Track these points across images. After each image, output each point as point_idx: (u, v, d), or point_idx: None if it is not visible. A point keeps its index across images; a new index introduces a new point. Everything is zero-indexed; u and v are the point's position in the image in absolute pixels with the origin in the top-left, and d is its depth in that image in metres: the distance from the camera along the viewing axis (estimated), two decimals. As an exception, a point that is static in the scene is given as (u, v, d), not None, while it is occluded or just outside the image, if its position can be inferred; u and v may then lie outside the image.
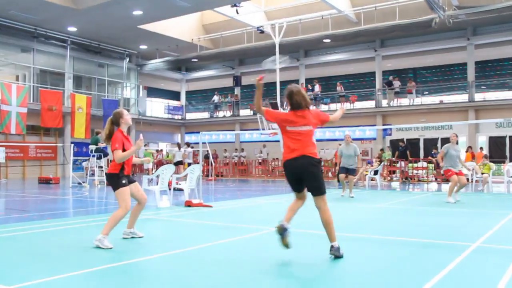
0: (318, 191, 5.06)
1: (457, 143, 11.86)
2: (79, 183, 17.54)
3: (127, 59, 30.03)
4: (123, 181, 5.95)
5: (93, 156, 17.51)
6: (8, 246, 5.97)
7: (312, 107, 6.19)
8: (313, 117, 5.23)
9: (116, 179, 5.96)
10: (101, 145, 17.86)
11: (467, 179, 19.40)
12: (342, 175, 13.17)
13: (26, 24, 23.54)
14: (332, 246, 5.02)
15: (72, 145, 19.29)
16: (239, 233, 6.90)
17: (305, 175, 5.09)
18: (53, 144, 24.88)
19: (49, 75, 26.92)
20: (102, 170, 18.55)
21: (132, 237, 6.30)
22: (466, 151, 20.83)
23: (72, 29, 24.68)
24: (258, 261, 5.07)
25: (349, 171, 13.05)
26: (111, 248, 5.57)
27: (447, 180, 14.41)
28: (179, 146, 20.70)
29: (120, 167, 5.99)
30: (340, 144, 21.58)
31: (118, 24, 23.66)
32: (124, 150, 5.92)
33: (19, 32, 23.70)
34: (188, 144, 21.27)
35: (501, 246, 5.86)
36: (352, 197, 12.78)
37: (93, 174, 18.09)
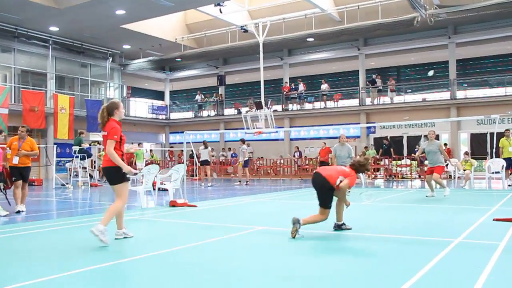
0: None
1: (437, 139, 12.13)
2: (63, 185, 17.38)
3: (110, 59, 29.79)
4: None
5: (77, 157, 17.35)
6: (-11, 249, 5.90)
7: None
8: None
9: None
10: (84, 145, 17.71)
11: (450, 176, 19.87)
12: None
13: (6, 24, 23.21)
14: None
15: (55, 146, 19.09)
16: (223, 232, 6.89)
17: None
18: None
19: (31, 75, 26.59)
20: (86, 171, 18.41)
21: (124, 237, 6.31)
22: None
23: (54, 28, 24.41)
24: (242, 260, 5.07)
25: None
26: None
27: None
28: (205, 144, 19.22)
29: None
30: (324, 143, 21.82)
31: (100, 24, 23.47)
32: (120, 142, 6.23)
33: (-1, 32, 23.38)
34: (243, 141, 19.59)
35: (483, 241, 5.93)
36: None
37: (76, 175, 17.94)
